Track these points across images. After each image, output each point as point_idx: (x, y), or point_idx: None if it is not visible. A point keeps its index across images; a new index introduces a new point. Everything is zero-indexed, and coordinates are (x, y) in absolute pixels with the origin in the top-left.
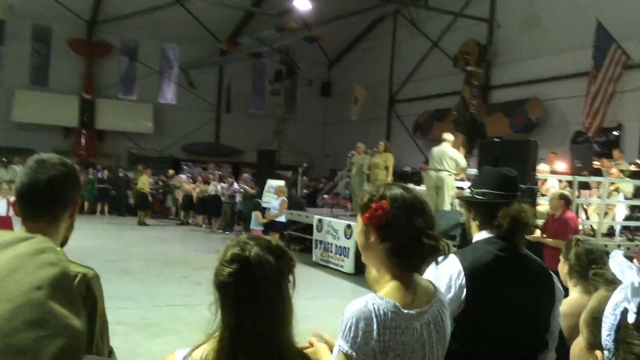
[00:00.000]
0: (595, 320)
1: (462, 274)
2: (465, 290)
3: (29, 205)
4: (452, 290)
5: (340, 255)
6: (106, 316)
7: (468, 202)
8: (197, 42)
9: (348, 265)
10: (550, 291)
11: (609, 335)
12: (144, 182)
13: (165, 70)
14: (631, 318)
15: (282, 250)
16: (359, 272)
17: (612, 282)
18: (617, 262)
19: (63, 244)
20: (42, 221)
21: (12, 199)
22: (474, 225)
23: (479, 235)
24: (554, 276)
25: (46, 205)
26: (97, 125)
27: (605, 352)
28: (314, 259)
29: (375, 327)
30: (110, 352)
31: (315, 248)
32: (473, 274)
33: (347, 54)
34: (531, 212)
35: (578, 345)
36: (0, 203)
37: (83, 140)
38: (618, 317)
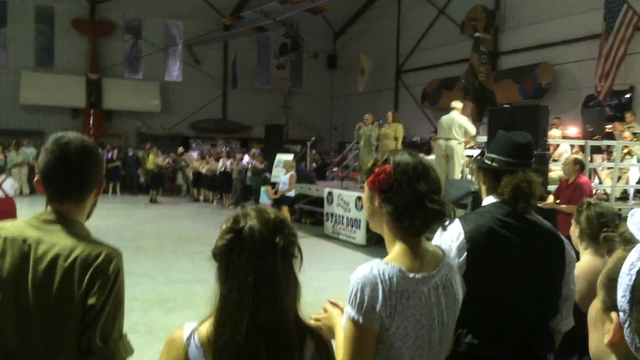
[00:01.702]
0: (612, 282)
1: (462, 237)
2: (465, 253)
3: (55, 188)
4: (452, 254)
5: (352, 227)
6: (123, 298)
7: (478, 166)
8: (200, 18)
9: (360, 237)
10: (560, 257)
11: (623, 296)
12: (153, 161)
13: (169, 47)
14: None
15: (283, 224)
16: (370, 244)
17: (630, 242)
18: (635, 221)
19: (87, 217)
20: (68, 203)
21: (36, 177)
22: (483, 189)
23: (487, 200)
24: (566, 241)
25: (72, 189)
26: (104, 105)
27: (621, 314)
28: (325, 231)
29: (380, 292)
30: (122, 335)
31: (327, 221)
32: (473, 238)
33: (352, 25)
34: (537, 181)
35: (594, 308)
36: (8, 183)
37: (91, 121)
38: (633, 277)
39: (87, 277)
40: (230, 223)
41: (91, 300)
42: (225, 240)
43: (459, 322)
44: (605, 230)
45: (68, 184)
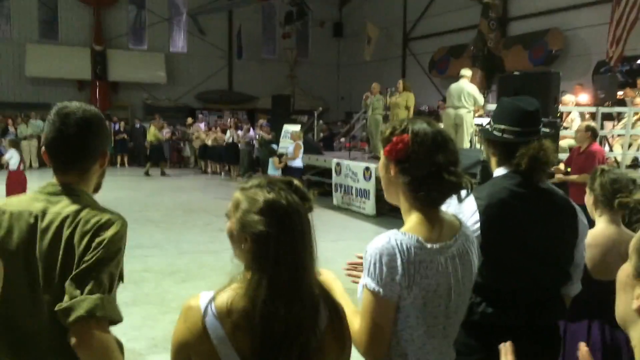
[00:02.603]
0: None
1: (475, 209)
2: (478, 225)
3: (57, 160)
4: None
5: (361, 197)
6: (115, 258)
7: (487, 138)
8: None
9: (369, 207)
10: (573, 224)
11: None
12: (153, 133)
13: (174, 17)
14: None
15: (303, 190)
16: (380, 214)
17: None
18: None
19: (96, 189)
20: (71, 174)
21: (42, 149)
22: (493, 160)
23: (498, 171)
24: (578, 209)
25: (74, 160)
26: (110, 76)
27: None
28: (334, 202)
29: (399, 262)
30: (106, 292)
31: (336, 192)
32: (486, 210)
33: None
34: (552, 148)
35: (624, 272)
36: (14, 157)
37: (97, 93)
38: None
39: (85, 240)
40: (269, 198)
41: (85, 258)
42: (270, 218)
43: (477, 291)
44: (619, 196)
45: (69, 155)
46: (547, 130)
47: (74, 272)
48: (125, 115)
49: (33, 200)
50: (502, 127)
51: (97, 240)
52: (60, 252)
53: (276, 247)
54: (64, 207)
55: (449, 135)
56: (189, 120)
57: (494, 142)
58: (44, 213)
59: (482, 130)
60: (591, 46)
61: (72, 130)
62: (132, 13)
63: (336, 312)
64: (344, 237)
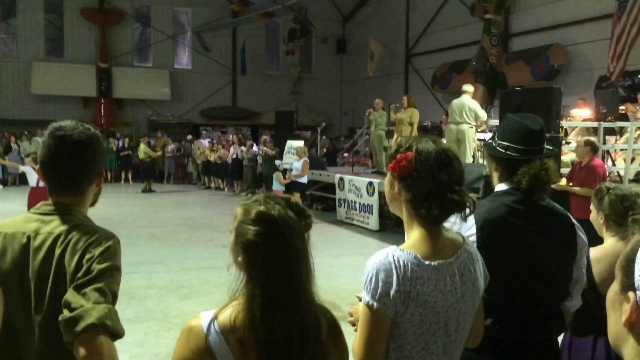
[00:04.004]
0: (629, 263)
1: (473, 224)
2: (476, 241)
3: (53, 182)
4: None
5: (364, 212)
6: (110, 273)
7: (490, 154)
8: (208, 4)
9: (373, 222)
10: (572, 241)
11: None
12: (143, 150)
13: (178, 35)
14: None
15: (301, 207)
16: (383, 229)
17: None
18: None
19: (93, 204)
20: (67, 196)
21: (37, 167)
22: (495, 175)
23: (500, 187)
24: (577, 225)
25: (69, 183)
26: (115, 94)
27: (638, 292)
28: (338, 217)
29: (395, 278)
30: (105, 299)
31: (339, 207)
32: (484, 225)
33: (361, 9)
34: (553, 168)
35: (612, 290)
36: (32, 174)
37: (102, 110)
38: None
39: (75, 258)
40: (261, 209)
41: (79, 275)
42: (260, 227)
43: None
44: (631, 213)
45: (65, 178)
46: (551, 148)
47: (75, 284)
48: (130, 131)
49: (26, 221)
50: (506, 143)
51: (87, 256)
52: (52, 271)
53: (264, 254)
54: (56, 226)
55: (454, 154)
56: (189, 136)
57: (497, 158)
58: (36, 233)
59: (485, 145)
60: (593, 61)
61: (67, 154)
62: (137, 31)
63: (334, 325)
64: (347, 252)
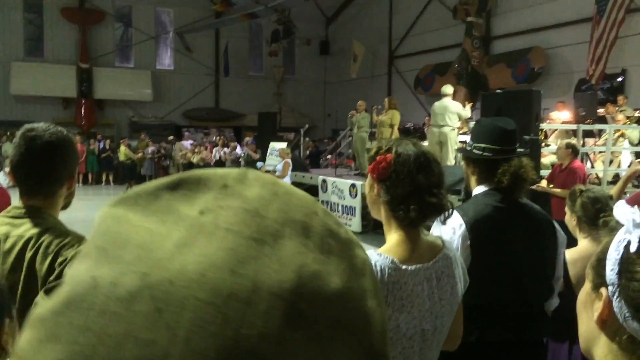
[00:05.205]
0: (600, 262)
1: (464, 227)
2: (468, 242)
3: (23, 184)
4: (455, 245)
5: (347, 214)
6: None
7: (467, 157)
8: (191, 4)
9: (355, 224)
10: (552, 238)
11: (612, 269)
12: (124, 152)
13: (160, 35)
14: (633, 247)
15: None
16: (367, 230)
17: (617, 230)
18: (619, 212)
19: (65, 207)
20: (37, 198)
21: (8, 170)
22: (472, 179)
23: (478, 189)
24: (555, 223)
25: (39, 185)
26: (95, 94)
27: (610, 288)
28: None
29: None
30: None
31: None
32: (474, 227)
33: (344, 10)
34: (531, 166)
35: (584, 291)
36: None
37: (83, 111)
38: (621, 251)
39: (47, 262)
40: None
41: (51, 278)
42: None
43: (468, 313)
44: (602, 215)
45: (35, 179)
46: (523, 150)
47: (46, 287)
48: (111, 133)
49: None
50: (483, 145)
51: (59, 260)
52: (22, 275)
53: None
54: (27, 230)
55: (434, 157)
56: (170, 138)
57: (475, 160)
58: (6, 236)
59: (461, 150)
60: (573, 64)
61: (37, 155)
62: (119, 31)
63: None
64: None
